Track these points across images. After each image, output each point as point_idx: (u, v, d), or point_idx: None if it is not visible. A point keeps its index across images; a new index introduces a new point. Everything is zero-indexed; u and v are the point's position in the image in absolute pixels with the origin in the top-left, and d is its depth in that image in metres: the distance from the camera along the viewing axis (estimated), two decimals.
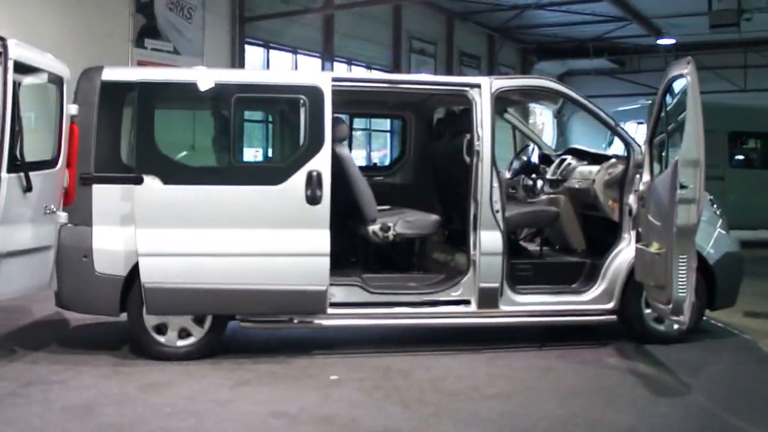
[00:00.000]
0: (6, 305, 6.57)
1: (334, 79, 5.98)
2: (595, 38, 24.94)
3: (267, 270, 5.77)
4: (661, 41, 23.74)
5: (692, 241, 5.50)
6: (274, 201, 5.80)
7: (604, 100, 23.83)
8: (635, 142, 6.52)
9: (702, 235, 6.42)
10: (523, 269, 6.63)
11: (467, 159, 6.33)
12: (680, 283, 5.46)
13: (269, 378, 5.54)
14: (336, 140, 6.40)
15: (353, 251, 6.87)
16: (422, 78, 6.97)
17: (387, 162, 14.86)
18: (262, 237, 5.77)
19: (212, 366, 5.77)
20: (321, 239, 5.81)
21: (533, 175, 7.72)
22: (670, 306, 5.50)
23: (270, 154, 6.71)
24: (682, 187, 5.40)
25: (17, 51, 5.02)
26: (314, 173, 5.77)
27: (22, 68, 5.15)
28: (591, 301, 6.45)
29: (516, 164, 8.00)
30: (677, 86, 5.89)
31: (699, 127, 5.44)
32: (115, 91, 5.76)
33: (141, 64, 14.42)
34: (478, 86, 6.29)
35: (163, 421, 4.61)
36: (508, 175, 7.97)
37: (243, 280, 5.73)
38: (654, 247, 5.73)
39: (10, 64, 4.94)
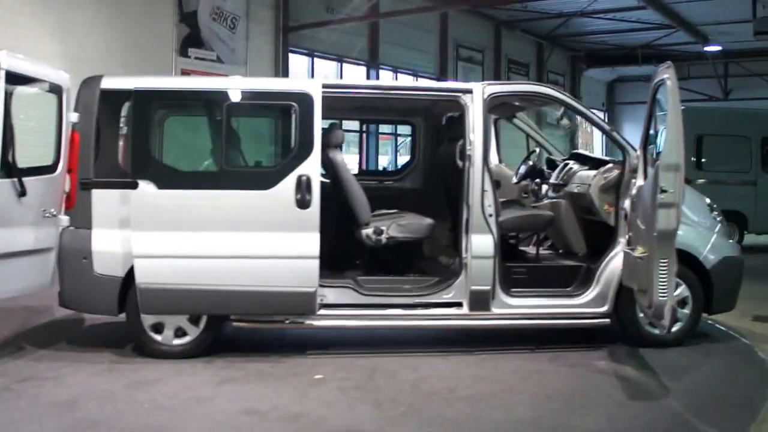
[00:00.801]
0: (28, 304, 6.91)
1: (324, 86, 6.10)
2: (644, 45, 24.86)
3: (258, 271, 5.91)
4: (708, 48, 23.53)
5: (672, 245, 5.51)
6: (265, 205, 5.95)
7: None
8: (631, 146, 6.48)
9: (699, 240, 6.58)
10: (518, 272, 6.66)
11: (459, 164, 6.38)
12: (661, 287, 5.46)
13: (256, 376, 5.68)
14: (331, 145, 6.57)
15: (350, 254, 6.96)
16: (413, 85, 6.99)
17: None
18: (254, 240, 5.92)
19: (205, 364, 5.94)
20: (310, 242, 5.93)
21: (537, 180, 7.74)
22: (652, 309, 5.50)
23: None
24: (663, 191, 5.40)
25: (8, 61, 5.28)
26: (303, 178, 5.89)
27: (15, 78, 5.40)
28: (585, 304, 6.45)
29: (523, 168, 8.01)
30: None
31: (678, 132, 5.46)
32: (113, 99, 5.98)
33: (184, 72, 14.89)
34: (471, 92, 6.34)
35: (136, 417, 4.79)
36: (514, 179, 8.02)
37: (235, 281, 5.89)
38: (638, 251, 5.71)
39: (2, 74, 5.20)
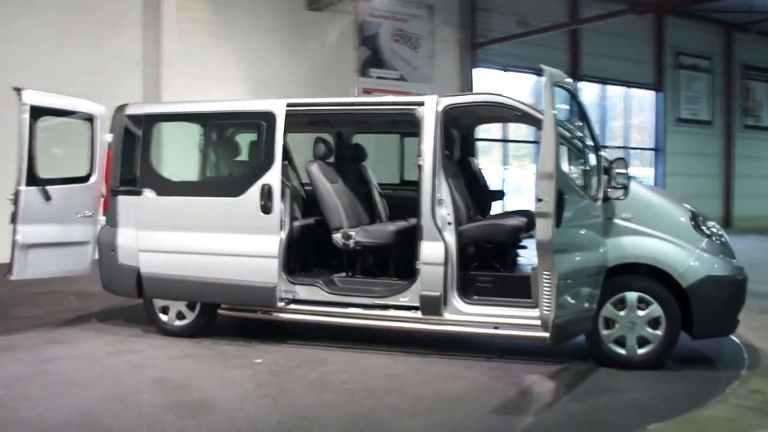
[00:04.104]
0: None
1: (289, 105, 6.93)
2: None
3: (230, 267, 6.91)
4: None
5: (550, 256, 5.42)
6: (236, 210, 6.92)
7: None
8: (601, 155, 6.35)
9: (675, 255, 6.27)
10: (483, 281, 6.83)
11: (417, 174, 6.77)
12: (545, 300, 5.47)
13: (212, 356, 6.67)
14: (315, 158, 7.37)
15: (334, 256, 7.64)
16: (372, 100, 7.42)
17: None
18: (228, 239, 6.93)
19: (191, 342, 7.08)
20: (272, 243, 6.80)
21: None
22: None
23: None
24: (539, 200, 5.42)
25: (33, 98, 6.87)
26: (266, 187, 6.78)
27: (41, 111, 7.00)
28: None
29: None
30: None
31: (552, 140, 5.39)
32: (133, 123, 7.37)
33: (366, 91, 16.21)
34: (423, 104, 6.74)
35: (76, 373, 6.08)
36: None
37: (212, 274, 6.96)
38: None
39: (26, 108, 6.81)
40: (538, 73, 18.92)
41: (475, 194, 8.27)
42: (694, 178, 22.05)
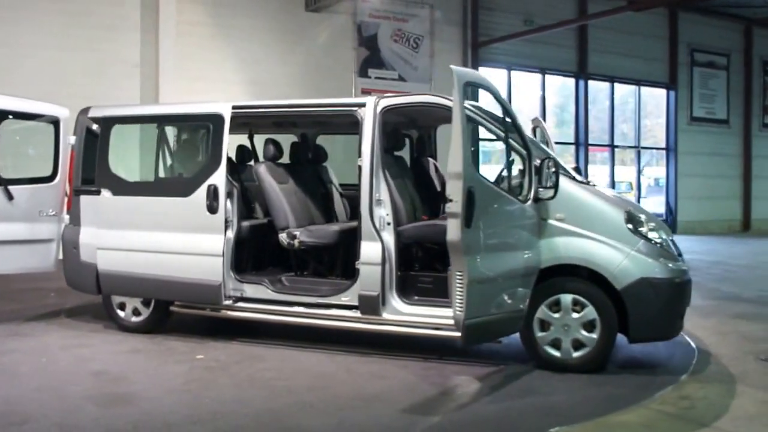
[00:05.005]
0: None
1: (234, 107, 7.15)
2: None
3: (179, 265, 7.17)
4: None
5: (460, 256, 5.49)
6: (185, 209, 7.15)
7: None
8: (533, 154, 6.35)
9: (610, 257, 6.24)
10: (425, 281, 6.93)
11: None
12: (457, 300, 5.55)
13: (161, 351, 6.92)
14: (265, 158, 7.57)
15: (282, 254, 7.81)
16: (313, 102, 7.51)
17: None
18: (177, 238, 7.17)
19: (143, 338, 7.35)
20: (217, 242, 7.03)
21: None
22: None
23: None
24: (448, 200, 5.50)
25: None
26: (212, 187, 7.00)
27: (6, 114, 7.33)
28: None
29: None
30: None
31: (461, 140, 5.45)
32: (93, 125, 7.64)
33: (364, 92, 16.32)
34: (363, 105, 6.87)
35: (22, 364, 6.39)
36: None
37: (162, 272, 7.22)
38: None
39: None
40: (544, 72, 19.08)
41: (431, 195, 8.36)
42: (710, 179, 21.77)
